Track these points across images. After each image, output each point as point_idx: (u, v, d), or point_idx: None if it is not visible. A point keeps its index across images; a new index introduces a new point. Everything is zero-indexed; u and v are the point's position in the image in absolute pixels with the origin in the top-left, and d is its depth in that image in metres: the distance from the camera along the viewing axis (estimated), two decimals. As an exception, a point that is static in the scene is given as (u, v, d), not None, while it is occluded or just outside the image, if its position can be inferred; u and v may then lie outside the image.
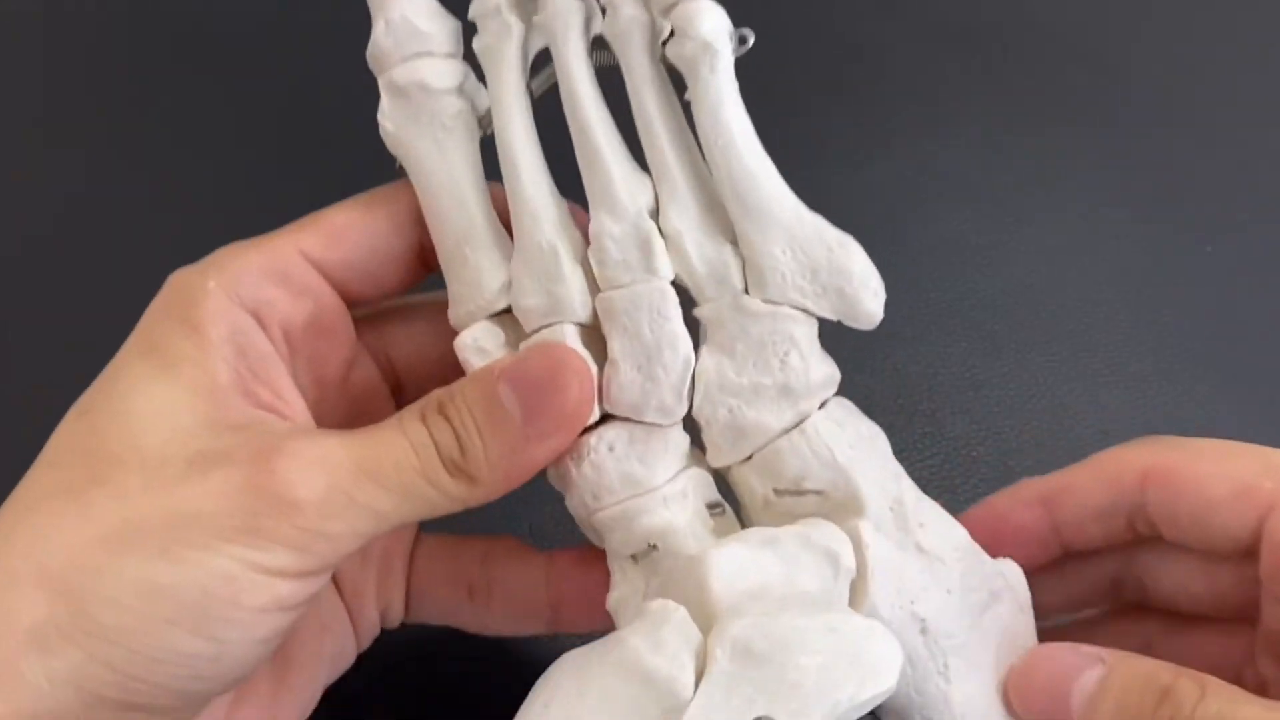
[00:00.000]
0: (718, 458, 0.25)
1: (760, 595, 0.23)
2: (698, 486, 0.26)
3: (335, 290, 0.27)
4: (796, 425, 0.25)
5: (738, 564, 0.23)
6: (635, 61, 0.25)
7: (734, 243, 0.25)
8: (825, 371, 0.25)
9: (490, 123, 0.26)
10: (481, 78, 0.26)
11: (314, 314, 0.26)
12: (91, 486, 0.22)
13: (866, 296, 0.25)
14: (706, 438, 0.25)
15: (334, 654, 0.29)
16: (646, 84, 0.25)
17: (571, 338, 0.25)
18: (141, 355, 0.24)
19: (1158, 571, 0.26)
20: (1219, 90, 0.50)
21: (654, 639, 0.22)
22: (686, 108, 0.25)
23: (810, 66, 0.51)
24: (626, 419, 0.25)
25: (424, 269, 0.28)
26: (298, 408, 0.25)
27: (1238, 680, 0.22)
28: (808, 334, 0.25)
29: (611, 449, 0.25)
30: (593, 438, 0.25)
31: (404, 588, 0.30)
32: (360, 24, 0.26)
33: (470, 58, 0.26)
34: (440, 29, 0.26)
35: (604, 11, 0.26)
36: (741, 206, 0.24)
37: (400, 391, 0.30)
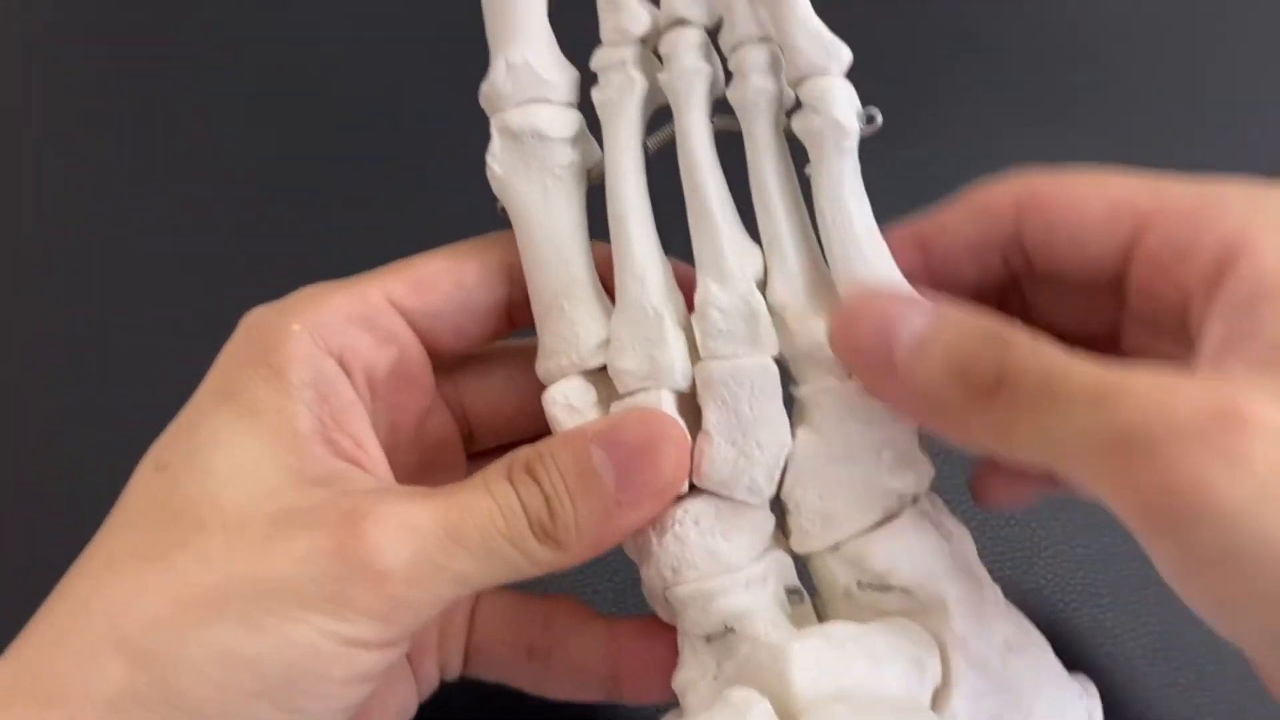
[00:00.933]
0: (803, 543, 0.25)
1: (842, 693, 0.22)
2: (779, 571, 0.25)
3: (419, 339, 0.26)
4: (887, 519, 0.24)
5: (821, 658, 0.22)
6: (759, 131, 0.25)
7: None
8: (920, 468, 0.24)
9: (599, 175, 0.26)
10: (596, 129, 0.26)
11: (397, 362, 0.26)
12: (173, 549, 0.21)
13: None
14: (793, 521, 0.25)
15: (398, 709, 0.28)
16: (768, 154, 0.25)
17: (668, 404, 0.24)
18: (220, 402, 0.23)
19: (1031, 308, 0.25)
20: (1219, 90, 0.51)
21: None
22: (803, 180, 0.25)
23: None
24: (714, 494, 0.24)
25: (509, 325, 0.27)
26: (377, 458, 0.25)
27: None
28: (908, 432, 0.24)
29: (697, 523, 0.24)
30: (679, 510, 0.24)
31: (464, 643, 0.29)
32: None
33: (585, 108, 0.26)
34: (562, 78, 0.25)
35: (729, 76, 0.25)
36: (851, 285, 0.24)
37: (471, 439, 0.29)
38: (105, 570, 0.22)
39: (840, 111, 0.24)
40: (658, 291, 0.25)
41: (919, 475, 0.24)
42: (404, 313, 0.25)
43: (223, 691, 0.21)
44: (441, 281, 0.26)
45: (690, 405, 0.25)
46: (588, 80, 0.26)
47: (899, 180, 0.46)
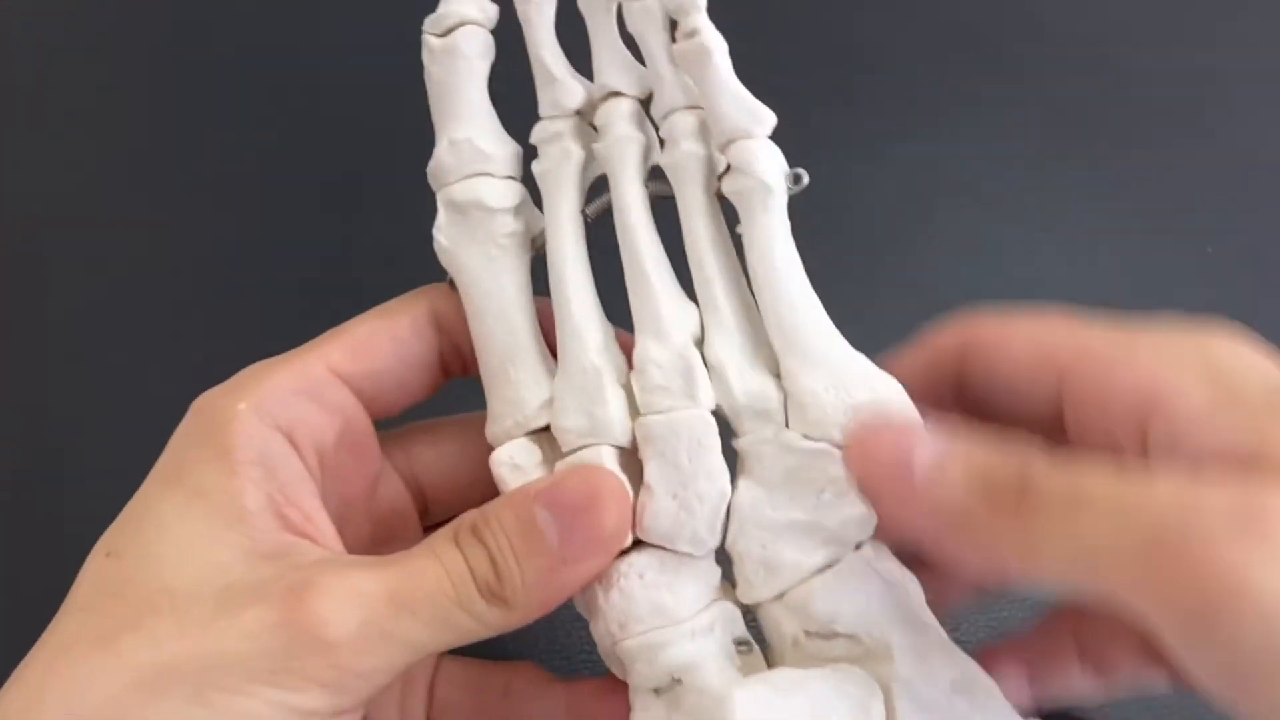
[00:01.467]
0: (749, 593, 0.25)
1: None
2: (726, 621, 0.25)
3: (361, 404, 0.26)
4: (830, 566, 0.24)
5: (763, 706, 0.22)
6: (690, 194, 0.26)
7: (777, 376, 0.25)
8: (862, 512, 0.24)
9: (542, 243, 0.26)
10: (538, 200, 0.27)
11: (343, 431, 0.26)
12: (123, 633, 0.22)
13: None
14: (738, 572, 0.25)
15: None
16: (700, 216, 0.26)
17: (609, 460, 0.25)
18: (168, 486, 0.24)
19: None
20: (1219, 90, 0.50)
21: None
22: (736, 239, 0.25)
23: (810, 67, 0.51)
24: (658, 546, 0.25)
25: (444, 374, 0.28)
26: (327, 531, 0.25)
27: None
28: (846, 473, 0.24)
29: (641, 576, 0.24)
30: (623, 564, 0.25)
31: (425, 714, 0.29)
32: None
33: (528, 180, 0.27)
34: (502, 151, 0.26)
35: (662, 143, 0.26)
36: (786, 342, 0.25)
37: (426, 513, 0.29)
38: (59, 655, 0.22)
39: (765, 172, 0.25)
40: (597, 351, 0.25)
41: (860, 521, 0.24)
42: (345, 379, 0.26)
43: None
44: (377, 342, 0.26)
45: (633, 462, 0.25)
46: (530, 155, 0.27)
47: (899, 180, 0.46)
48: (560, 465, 0.25)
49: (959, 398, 0.26)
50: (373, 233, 0.45)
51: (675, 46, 0.25)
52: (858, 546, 0.25)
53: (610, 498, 0.24)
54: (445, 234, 0.26)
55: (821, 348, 0.25)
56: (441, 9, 0.26)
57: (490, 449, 0.26)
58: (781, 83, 0.49)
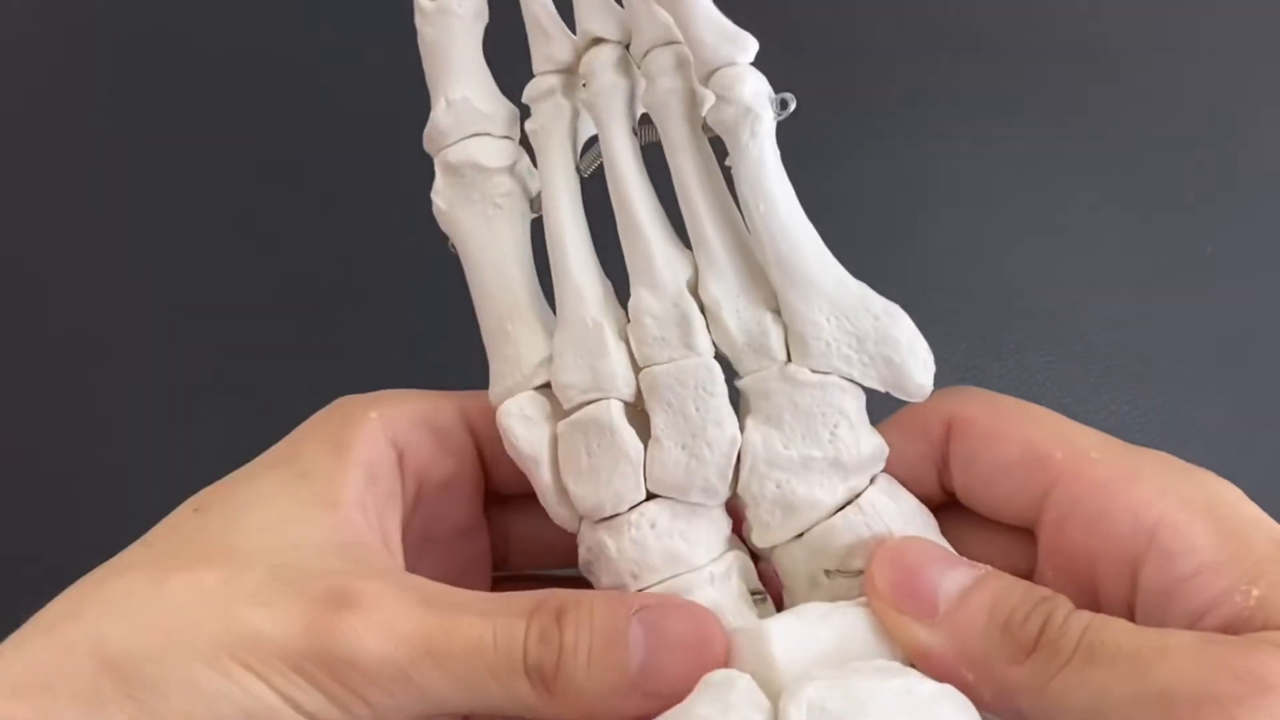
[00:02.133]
0: (765, 536, 0.24)
1: (823, 662, 0.21)
2: (741, 569, 0.25)
3: (481, 460, 0.27)
4: (850, 501, 0.24)
5: (798, 635, 0.22)
6: (674, 130, 0.25)
7: (776, 311, 0.24)
8: (875, 443, 0.24)
9: (541, 205, 0.26)
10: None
11: (452, 475, 0.27)
12: (173, 573, 0.22)
13: (916, 366, 0.24)
14: (753, 515, 0.24)
15: None
16: (685, 151, 0.25)
17: (617, 413, 0.24)
18: (276, 465, 0.25)
19: (957, 540, 0.25)
20: (1219, 90, 0.50)
21: (722, 704, 0.20)
22: (727, 173, 0.25)
23: (810, 67, 0.50)
24: (669, 498, 0.24)
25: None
26: (397, 553, 0.25)
27: None
28: (856, 405, 0.24)
29: (654, 526, 0.24)
30: (634, 514, 0.24)
31: None
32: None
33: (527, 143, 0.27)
34: (498, 110, 0.26)
35: None
36: (783, 273, 0.24)
37: (506, 562, 0.29)
38: (108, 577, 0.22)
39: (749, 97, 0.24)
40: (596, 304, 0.25)
41: (874, 450, 0.24)
42: (474, 431, 0.27)
43: (181, 714, 0.21)
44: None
45: (640, 415, 0.25)
46: (525, 117, 0.27)
47: (899, 180, 0.46)
48: (564, 425, 0.25)
49: (942, 479, 0.25)
50: (374, 237, 0.45)
51: None
52: (872, 480, 0.24)
53: (711, 646, 0.22)
54: (442, 196, 0.26)
55: (819, 276, 0.24)
56: None
57: None
58: (781, 83, 0.49)
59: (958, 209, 0.46)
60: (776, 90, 0.24)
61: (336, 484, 0.24)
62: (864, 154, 0.47)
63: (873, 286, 0.44)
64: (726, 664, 0.22)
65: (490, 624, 0.22)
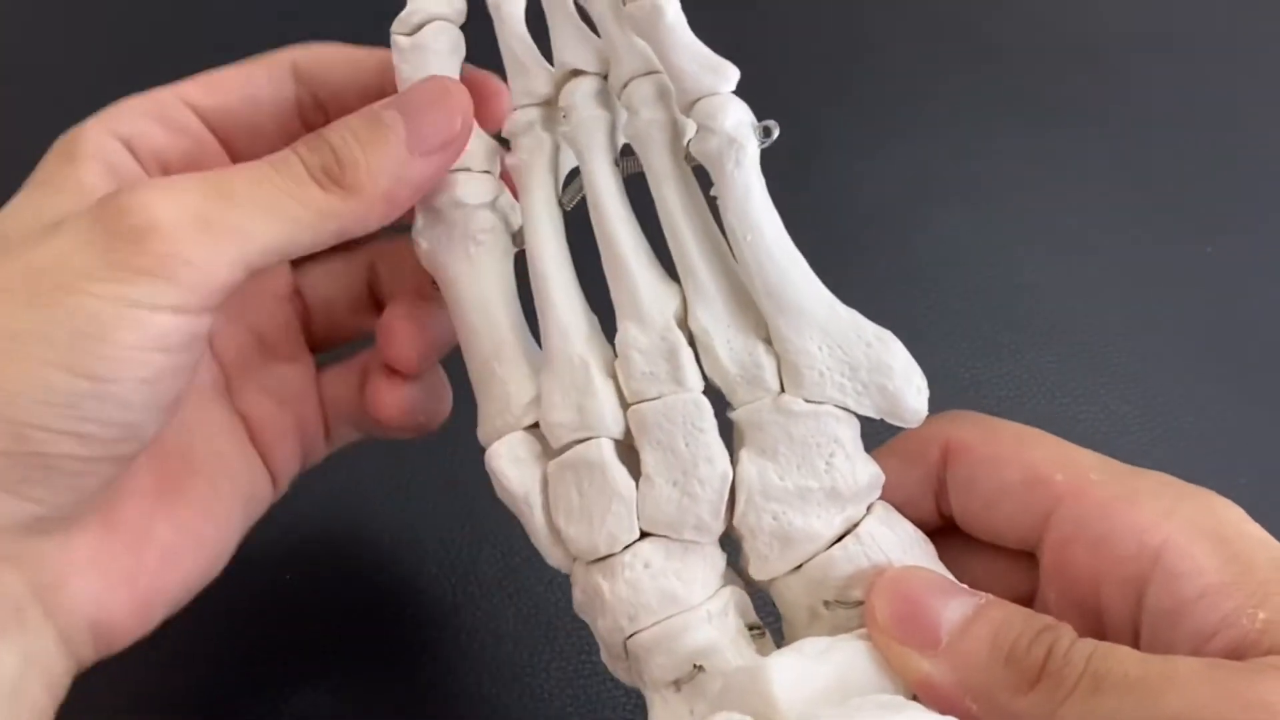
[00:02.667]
0: (763, 569, 0.24)
1: (825, 698, 0.21)
2: (738, 605, 0.24)
3: (217, 136, 0.28)
4: (848, 531, 0.23)
5: (798, 673, 0.21)
6: (657, 161, 0.25)
7: (767, 341, 0.24)
8: (872, 471, 0.24)
9: (524, 239, 0.26)
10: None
11: (192, 152, 0.28)
12: None
13: (910, 393, 0.23)
14: (750, 548, 0.24)
15: (246, 496, 0.29)
16: (669, 182, 0.25)
17: (609, 452, 0.24)
18: (24, 189, 0.26)
19: (956, 566, 0.25)
20: (1219, 91, 0.50)
21: None
22: (712, 203, 0.25)
23: (811, 67, 0.51)
24: (662, 536, 0.24)
25: (303, 124, 0.29)
26: None
27: None
28: (851, 434, 0.24)
29: (648, 566, 0.24)
30: (627, 555, 0.24)
31: (320, 419, 0.31)
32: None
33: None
34: (477, 145, 0.26)
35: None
36: (773, 302, 0.24)
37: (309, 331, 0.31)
38: None
39: (733, 127, 0.23)
40: (581, 341, 0.25)
41: (871, 479, 0.24)
42: (198, 111, 0.28)
43: (15, 364, 0.21)
44: (231, 81, 0.28)
45: (632, 453, 0.25)
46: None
47: (899, 179, 0.46)
48: (554, 466, 0.25)
49: (940, 505, 0.25)
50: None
51: (626, 9, 0.24)
52: (869, 509, 0.24)
53: (455, 94, 0.25)
54: (424, 236, 0.26)
55: (809, 304, 0.24)
56: (409, 7, 0.26)
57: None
58: (782, 83, 0.49)
59: (958, 209, 0.46)
60: (760, 117, 0.24)
61: (75, 180, 0.25)
62: (863, 153, 0.47)
63: (872, 287, 0.44)
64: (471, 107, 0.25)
65: (263, 161, 0.24)
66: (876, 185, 0.46)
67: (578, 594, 0.25)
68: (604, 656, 0.25)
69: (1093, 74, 0.50)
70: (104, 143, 0.26)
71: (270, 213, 0.23)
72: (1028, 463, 0.23)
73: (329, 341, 0.32)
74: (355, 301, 0.31)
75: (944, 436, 0.24)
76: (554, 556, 0.25)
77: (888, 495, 0.24)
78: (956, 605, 0.22)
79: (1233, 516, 0.22)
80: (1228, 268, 0.44)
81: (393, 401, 0.29)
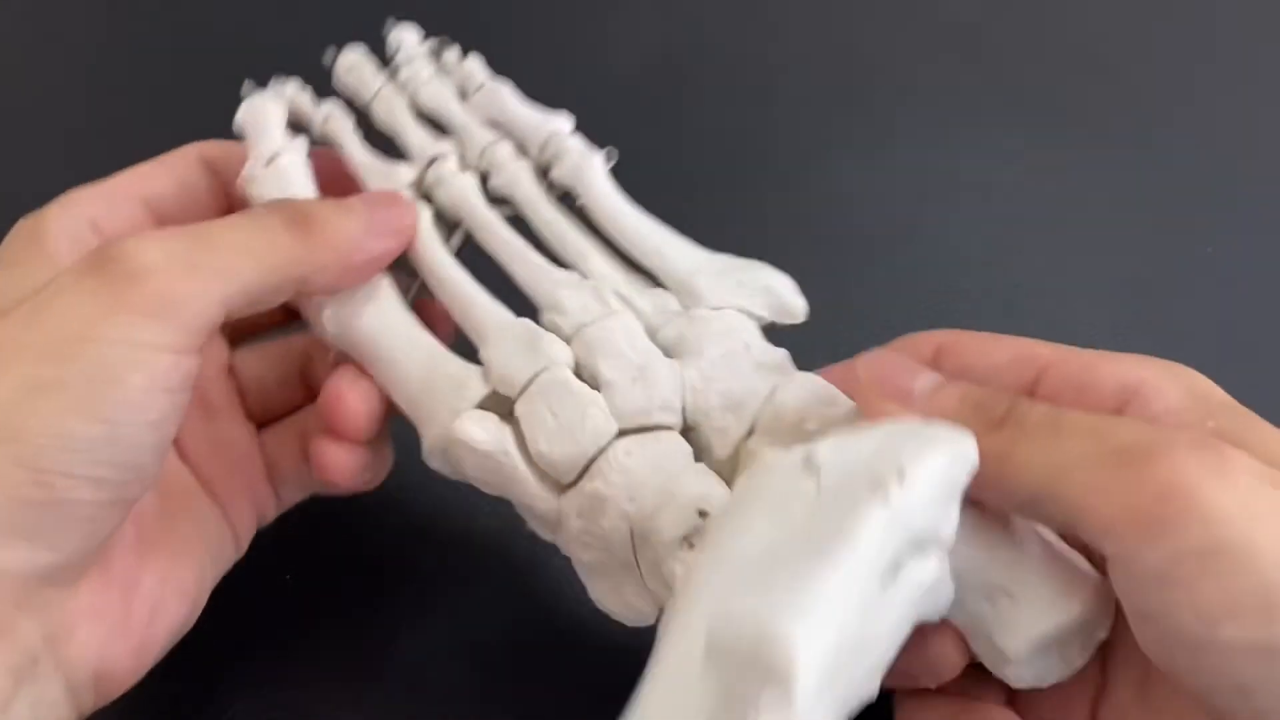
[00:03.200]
0: (724, 441, 0.26)
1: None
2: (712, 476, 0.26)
3: (161, 223, 0.30)
4: (778, 385, 0.26)
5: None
6: (529, 193, 0.30)
7: (664, 288, 0.28)
8: (785, 352, 0.27)
9: (417, 290, 0.30)
10: None
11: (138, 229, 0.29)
12: None
13: (789, 292, 0.28)
14: (710, 429, 0.26)
15: (214, 557, 0.29)
16: (542, 203, 0.30)
17: (569, 372, 0.27)
18: None
19: None
20: (1219, 91, 0.51)
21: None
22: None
23: (812, 68, 0.51)
24: (635, 431, 0.26)
25: (229, 207, 0.31)
26: None
27: None
28: (756, 330, 0.28)
29: (629, 453, 0.26)
30: (610, 451, 0.26)
31: (267, 481, 0.32)
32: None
33: None
34: None
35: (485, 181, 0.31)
36: (659, 258, 0.29)
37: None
38: None
39: (579, 146, 0.30)
40: (510, 312, 0.28)
41: (786, 357, 0.27)
42: (140, 199, 0.30)
43: (40, 415, 0.23)
44: (161, 173, 0.30)
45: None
46: None
47: (899, 180, 0.46)
48: (521, 400, 0.27)
49: None
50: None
51: (471, 100, 0.32)
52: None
53: (406, 203, 0.29)
54: (332, 321, 0.29)
55: (688, 251, 0.29)
56: (251, 153, 0.30)
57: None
58: (781, 83, 0.49)
59: (957, 209, 0.46)
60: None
61: (47, 258, 0.27)
62: (864, 153, 0.47)
63: (872, 286, 0.44)
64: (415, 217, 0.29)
65: (237, 214, 0.26)
66: (877, 186, 0.46)
67: (576, 524, 0.26)
68: (613, 599, 0.27)
69: (1093, 74, 0.50)
70: (69, 224, 0.28)
71: (247, 255, 0.25)
72: (1016, 346, 0.26)
73: (257, 418, 0.33)
74: (285, 379, 0.33)
75: (938, 340, 0.27)
76: (541, 501, 0.26)
77: None
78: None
79: (1197, 375, 0.25)
80: (1228, 268, 0.44)
81: (343, 464, 0.29)
